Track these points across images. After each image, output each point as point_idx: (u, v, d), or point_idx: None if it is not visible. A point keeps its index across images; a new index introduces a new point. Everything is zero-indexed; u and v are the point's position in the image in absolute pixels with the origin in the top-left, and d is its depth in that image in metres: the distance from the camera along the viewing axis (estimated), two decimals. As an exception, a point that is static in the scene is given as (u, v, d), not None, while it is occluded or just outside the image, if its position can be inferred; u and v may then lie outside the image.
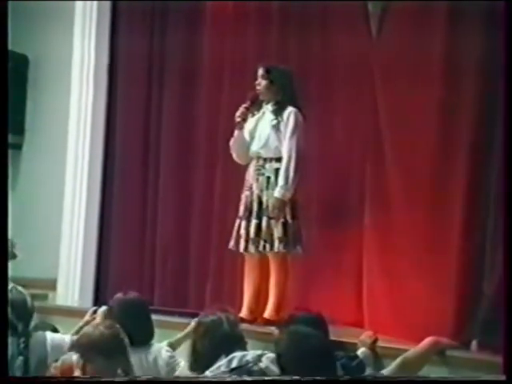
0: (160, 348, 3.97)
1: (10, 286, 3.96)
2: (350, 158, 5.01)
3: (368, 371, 3.73)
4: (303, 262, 4.91)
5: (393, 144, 4.68)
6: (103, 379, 2.99)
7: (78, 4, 6.26)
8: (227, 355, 3.54)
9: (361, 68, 4.89)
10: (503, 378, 3.00)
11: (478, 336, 4.07)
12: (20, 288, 3.99)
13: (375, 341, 3.97)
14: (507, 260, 3.19)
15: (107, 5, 6.26)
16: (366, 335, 4.02)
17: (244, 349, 3.66)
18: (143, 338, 3.89)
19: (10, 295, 3.87)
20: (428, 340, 3.83)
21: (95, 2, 6.22)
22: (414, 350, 3.77)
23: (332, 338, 3.89)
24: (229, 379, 3.27)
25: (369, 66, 4.86)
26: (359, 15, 4.91)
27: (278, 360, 3.20)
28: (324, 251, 4.96)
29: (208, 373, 3.51)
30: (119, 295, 4.11)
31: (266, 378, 3.22)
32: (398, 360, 3.66)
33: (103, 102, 6.25)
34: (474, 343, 4.07)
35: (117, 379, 3.01)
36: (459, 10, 4.39)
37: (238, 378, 3.26)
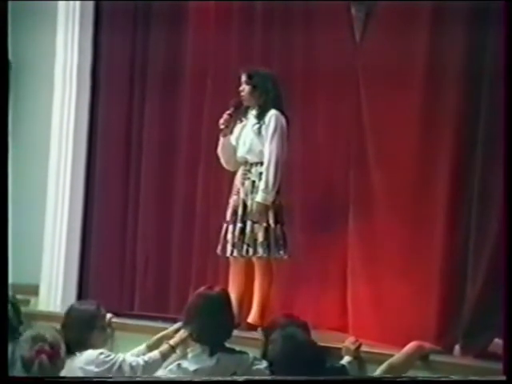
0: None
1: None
2: (333, 162, 4.98)
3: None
4: (288, 267, 4.89)
5: (376, 148, 4.67)
6: (104, 379, 3.01)
7: (61, 5, 6.22)
8: None
9: (344, 71, 4.87)
10: (503, 378, 3.02)
11: (461, 340, 4.07)
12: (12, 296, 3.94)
13: (359, 347, 3.96)
14: (507, 259, 3.19)
15: (90, 5, 6.22)
16: (349, 341, 4.01)
17: None
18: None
19: None
20: (411, 345, 3.83)
21: (78, 2, 6.19)
22: (398, 355, 3.76)
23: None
24: (225, 379, 3.26)
25: (352, 70, 4.85)
26: (343, 18, 4.90)
27: (270, 365, 3.19)
28: (308, 256, 4.94)
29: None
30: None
31: (266, 378, 3.21)
32: (384, 366, 3.66)
33: (86, 105, 6.20)
34: (456, 348, 4.08)
35: (117, 379, 3.00)
36: (443, 13, 4.39)
37: (237, 379, 3.25)
